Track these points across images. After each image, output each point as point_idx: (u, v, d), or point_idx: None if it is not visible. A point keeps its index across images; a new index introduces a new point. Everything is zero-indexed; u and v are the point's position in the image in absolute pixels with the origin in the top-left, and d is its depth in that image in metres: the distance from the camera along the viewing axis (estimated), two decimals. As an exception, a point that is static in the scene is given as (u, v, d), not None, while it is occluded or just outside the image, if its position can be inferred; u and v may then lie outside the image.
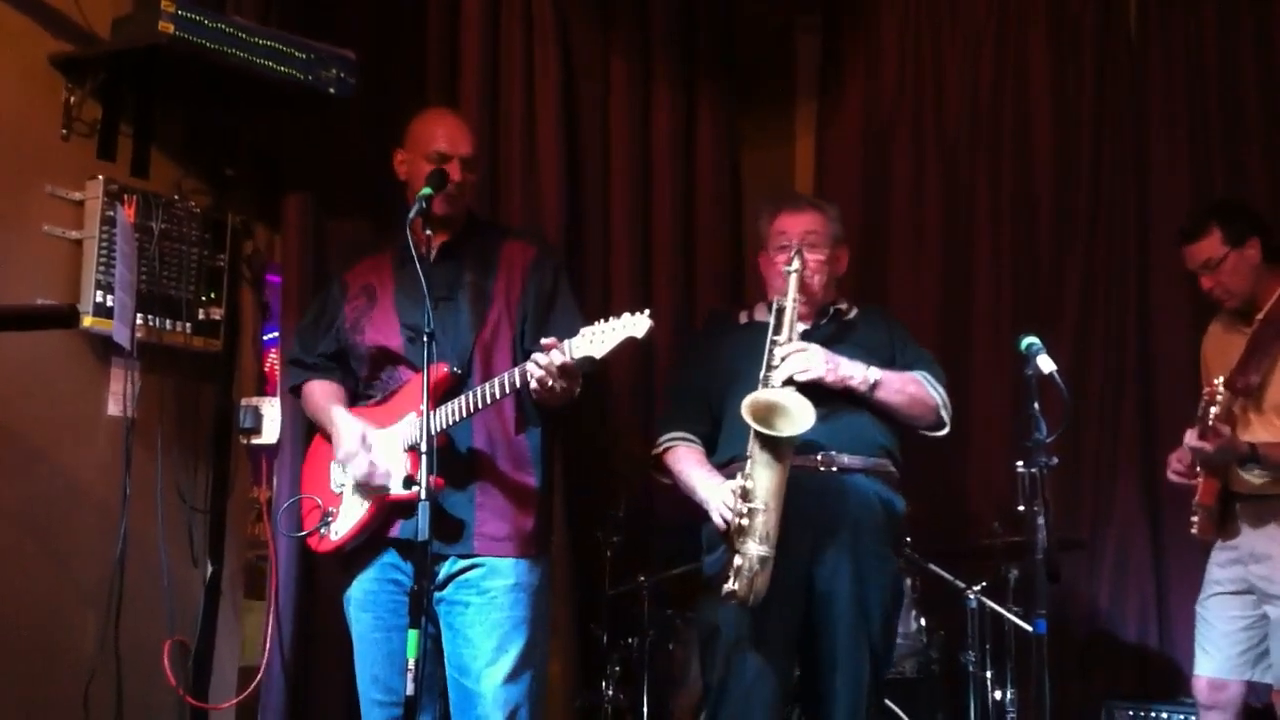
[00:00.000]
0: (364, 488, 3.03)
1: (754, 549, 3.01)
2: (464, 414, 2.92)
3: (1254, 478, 3.56)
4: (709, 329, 3.74)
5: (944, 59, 5.02)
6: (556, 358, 2.79)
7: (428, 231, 3.03)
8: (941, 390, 3.42)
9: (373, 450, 2.99)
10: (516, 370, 2.87)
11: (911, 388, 3.38)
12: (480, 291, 3.13)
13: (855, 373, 3.29)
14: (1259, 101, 4.51)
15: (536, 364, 2.81)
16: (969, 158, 4.93)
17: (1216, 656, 3.67)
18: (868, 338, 3.47)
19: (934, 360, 3.51)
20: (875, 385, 3.30)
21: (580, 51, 4.56)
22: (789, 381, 3.19)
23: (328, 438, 3.17)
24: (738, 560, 3.04)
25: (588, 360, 2.80)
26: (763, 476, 3.03)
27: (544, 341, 2.82)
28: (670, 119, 4.80)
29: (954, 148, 4.96)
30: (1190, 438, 3.51)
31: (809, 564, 3.19)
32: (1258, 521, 3.60)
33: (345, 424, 3.07)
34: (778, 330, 3.28)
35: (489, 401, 2.91)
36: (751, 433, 3.04)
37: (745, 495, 3.05)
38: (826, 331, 3.44)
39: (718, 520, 3.15)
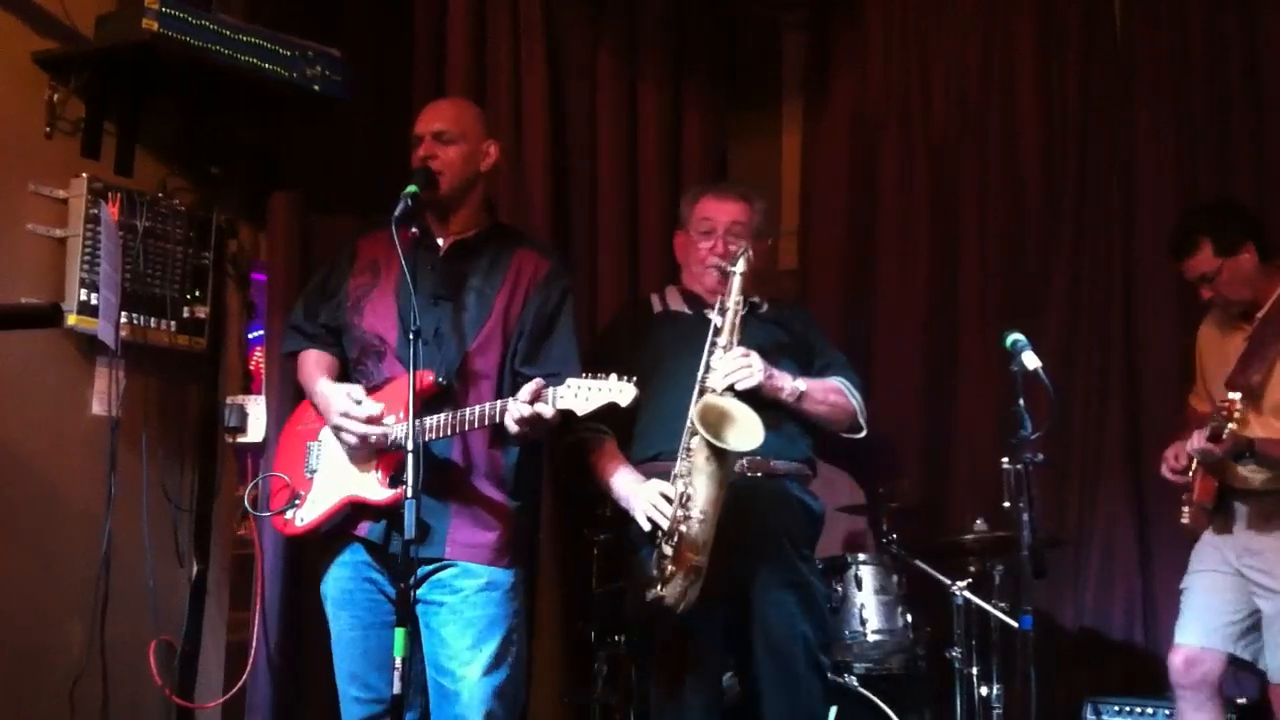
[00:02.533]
0: (361, 451, 3.00)
1: (689, 558, 3.01)
2: (440, 434, 2.93)
3: (1250, 474, 3.56)
4: (625, 319, 3.68)
5: (931, 56, 5.01)
6: (543, 410, 2.82)
7: (414, 230, 3.01)
8: (858, 396, 3.48)
9: (363, 403, 2.98)
10: (498, 405, 2.88)
11: (833, 396, 3.43)
12: (481, 298, 3.11)
13: (784, 384, 3.32)
14: (1245, 99, 4.50)
15: (519, 411, 2.82)
16: (956, 154, 4.93)
17: (1197, 627, 3.64)
18: (791, 338, 3.49)
19: (848, 364, 3.56)
20: (801, 396, 3.35)
21: (567, 48, 4.55)
22: (729, 387, 3.18)
23: (315, 408, 3.15)
24: (670, 567, 3.02)
25: (569, 413, 2.84)
26: (704, 486, 3.02)
27: (526, 389, 2.83)
28: (658, 115, 4.79)
29: (941, 144, 4.96)
30: (1197, 440, 3.50)
31: (738, 567, 3.17)
32: (1256, 517, 3.59)
33: (330, 390, 3.06)
34: (719, 332, 3.25)
35: (466, 429, 2.93)
36: (698, 440, 3.03)
37: (684, 502, 3.03)
38: (756, 331, 3.39)
39: (644, 522, 3.14)
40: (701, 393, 3.18)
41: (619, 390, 2.80)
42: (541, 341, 3.11)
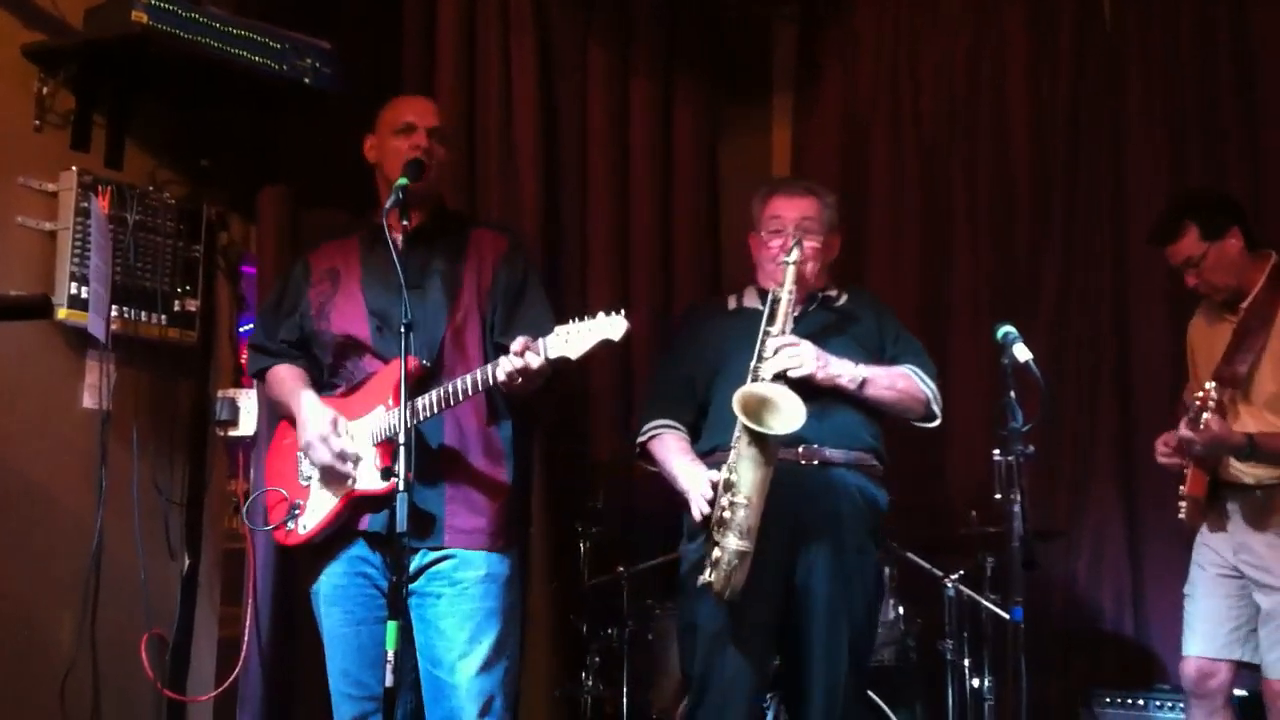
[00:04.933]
0: (329, 475, 3.00)
1: (733, 543, 3.00)
2: (435, 410, 2.90)
3: (1244, 469, 3.55)
4: (696, 316, 3.69)
5: (921, 50, 5.03)
6: (532, 360, 2.78)
7: (404, 221, 3.02)
8: (931, 383, 3.40)
9: (341, 436, 2.97)
10: (490, 366, 2.86)
11: (901, 383, 3.35)
12: (450, 280, 3.11)
13: (844, 371, 3.26)
14: (1236, 94, 4.52)
15: (511, 364, 2.79)
16: (946, 148, 4.94)
17: (1207, 636, 3.64)
18: (857, 327, 3.44)
19: (923, 350, 3.48)
20: (863, 384, 3.28)
21: (558, 42, 4.55)
22: (779, 376, 3.16)
23: (294, 423, 3.15)
24: (716, 553, 3.03)
25: (562, 360, 2.79)
26: (747, 471, 3.01)
27: (518, 341, 2.80)
28: (648, 109, 4.80)
29: (931, 138, 4.97)
30: (1183, 428, 3.50)
31: (789, 557, 3.19)
32: (1252, 512, 3.59)
33: (313, 408, 3.03)
34: (771, 321, 3.25)
35: (461, 399, 2.90)
36: (740, 426, 3.03)
37: (729, 488, 3.03)
38: (816, 320, 3.40)
39: (695, 512, 3.15)
40: (755, 382, 3.17)
41: (609, 325, 2.75)
42: (514, 311, 3.12)
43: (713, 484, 3.09)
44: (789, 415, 3.03)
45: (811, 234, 3.41)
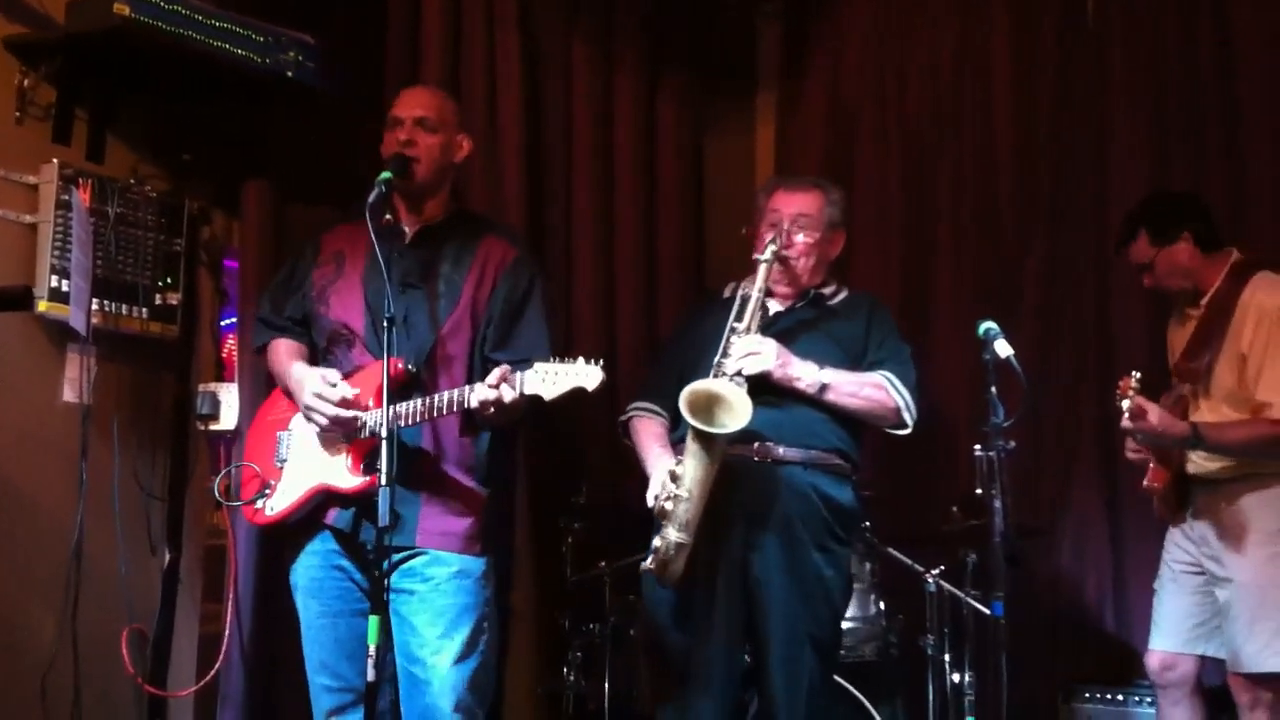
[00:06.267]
0: (338, 429, 2.97)
1: (673, 535, 3.05)
2: (413, 421, 2.91)
3: (1203, 461, 3.58)
4: (697, 303, 3.73)
5: (906, 46, 5.03)
6: (506, 393, 2.79)
7: (387, 217, 3.01)
8: (905, 392, 3.37)
9: (338, 386, 2.95)
10: (466, 389, 2.86)
11: (868, 390, 3.33)
12: (450, 285, 3.10)
13: (804, 375, 3.25)
14: (1217, 89, 4.53)
15: (485, 394, 2.80)
16: (932, 146, 4.94)
17: (1169, 631, 3.70)
18: (841, 327, 3.44)
19: (908, 358, 3.46)
20: (824, 389, 3.28)
21: (543, 38, 4.54)
22: (739, 373, 3.18)
23: (288, 393, 3.14)
24: (657, 541, 3.09)
25: (535, 399, 2.80)
26: (691, 465, 3.05)
27: (494, 372, 2.81)
28: (633, 106, 4.79)
29: (916, 135, 4.97)
30: (1123, 421, 3.53)
31: (744, 554, 3.20)
32: (1209, 505, 3.63)
33: (306, 373, 3.04)
34: (739, 317, 3.27)
35: (434, 416, 2.91)
36: (687, 421, 3.05)
37: (675, 480, 3.07)
38: (796, 318, 3.41)
39: (648, 499, 3.18)
40: (716, 378, 3.19)
41: (585, 374, 2.77)
42: (510, 328, 3.10)
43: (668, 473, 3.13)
44: (737, 412, 3.06)
45: (807, 230, 3.41)
